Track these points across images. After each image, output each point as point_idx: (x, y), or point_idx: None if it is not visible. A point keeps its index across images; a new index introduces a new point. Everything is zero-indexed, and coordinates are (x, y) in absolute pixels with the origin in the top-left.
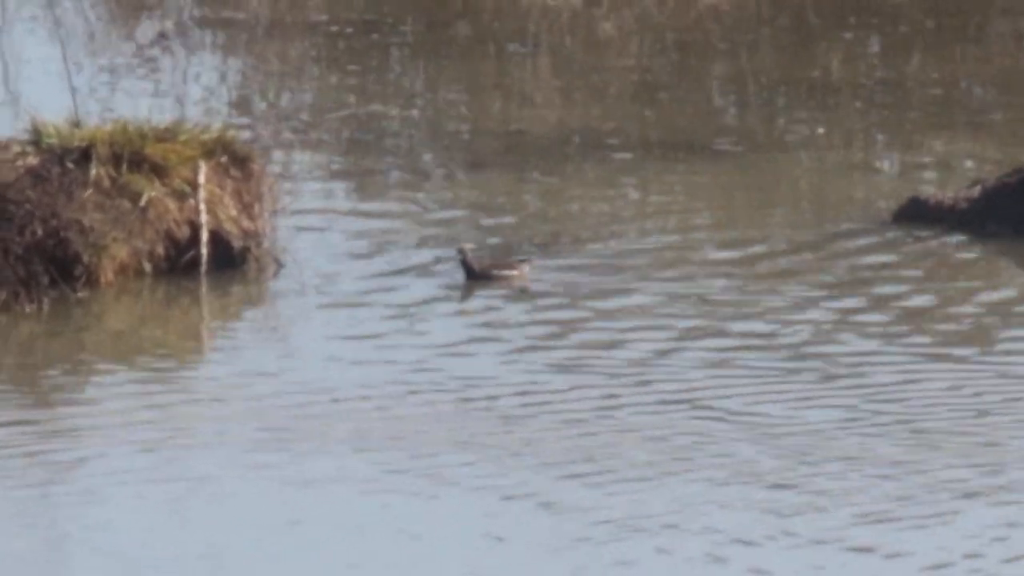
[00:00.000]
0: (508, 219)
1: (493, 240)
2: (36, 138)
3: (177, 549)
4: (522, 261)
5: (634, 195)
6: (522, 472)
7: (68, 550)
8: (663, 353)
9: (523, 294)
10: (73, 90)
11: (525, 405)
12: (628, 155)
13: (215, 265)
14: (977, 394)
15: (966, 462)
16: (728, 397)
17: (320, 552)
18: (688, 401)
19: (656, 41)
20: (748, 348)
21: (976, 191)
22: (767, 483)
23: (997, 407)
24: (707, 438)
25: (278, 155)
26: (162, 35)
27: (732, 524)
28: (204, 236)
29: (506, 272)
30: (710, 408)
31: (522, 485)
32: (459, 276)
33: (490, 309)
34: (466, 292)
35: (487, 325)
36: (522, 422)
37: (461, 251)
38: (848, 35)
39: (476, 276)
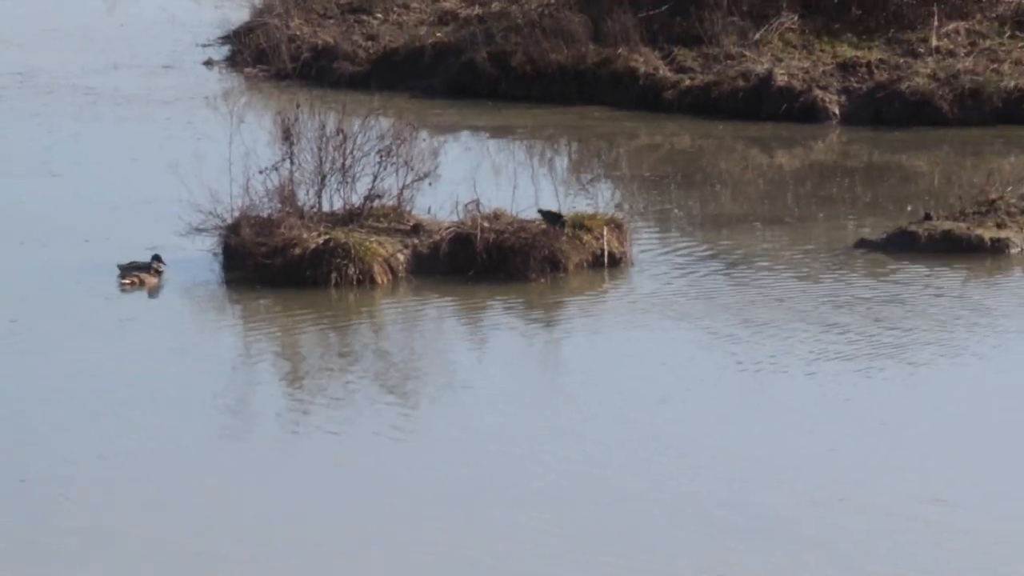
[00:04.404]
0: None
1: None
2: (552, 219)
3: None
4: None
5: None
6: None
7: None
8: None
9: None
10: (558, 200)
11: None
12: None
13: (610, 264)
14: None
15: None
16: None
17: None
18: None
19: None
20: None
21: None
22: None
23: None
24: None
25: (632, 222)
26: (589, 180)
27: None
28: (605, 253)
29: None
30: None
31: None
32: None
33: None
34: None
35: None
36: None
37: (550, 213)
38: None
39: (557, 223)
